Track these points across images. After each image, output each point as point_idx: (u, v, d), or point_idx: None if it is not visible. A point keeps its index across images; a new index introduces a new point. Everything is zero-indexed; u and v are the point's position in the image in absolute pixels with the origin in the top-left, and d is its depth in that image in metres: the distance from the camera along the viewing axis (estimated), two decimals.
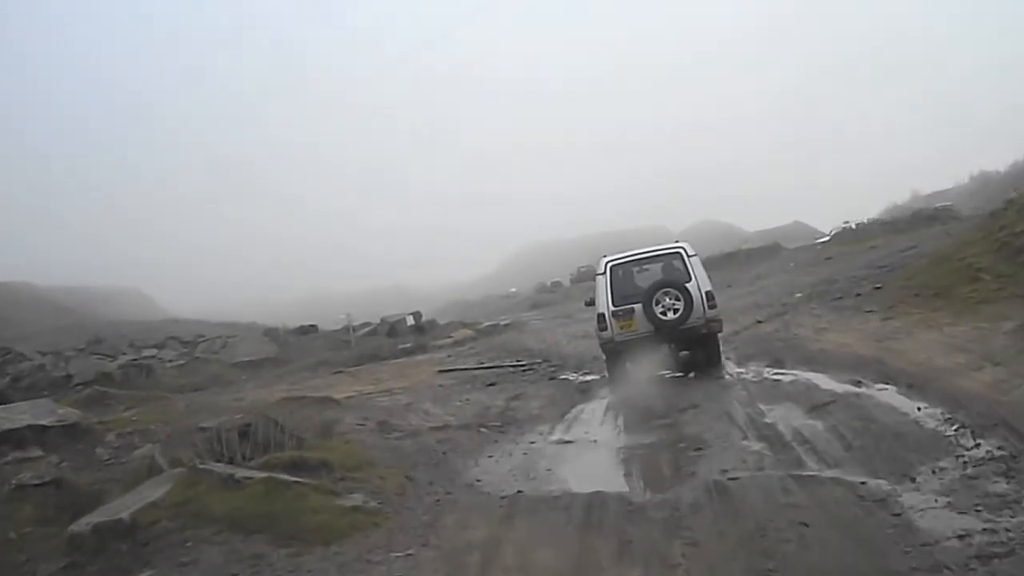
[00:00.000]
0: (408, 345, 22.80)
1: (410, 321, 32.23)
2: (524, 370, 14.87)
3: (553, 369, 14.39)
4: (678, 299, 10.96)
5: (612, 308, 11.26)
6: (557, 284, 51.60)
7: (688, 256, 11.48)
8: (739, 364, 11.45)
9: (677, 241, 12.50)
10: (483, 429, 8.76)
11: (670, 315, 10.94)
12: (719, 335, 11.55)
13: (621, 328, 11.19)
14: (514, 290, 62.32)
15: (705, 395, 9.35)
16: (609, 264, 11.66)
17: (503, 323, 26.01)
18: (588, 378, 12.68)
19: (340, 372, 18.99)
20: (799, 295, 18.44)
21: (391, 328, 31.06)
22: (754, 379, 10.01)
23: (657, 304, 10.99)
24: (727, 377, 10.55)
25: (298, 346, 26.54)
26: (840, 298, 16.26)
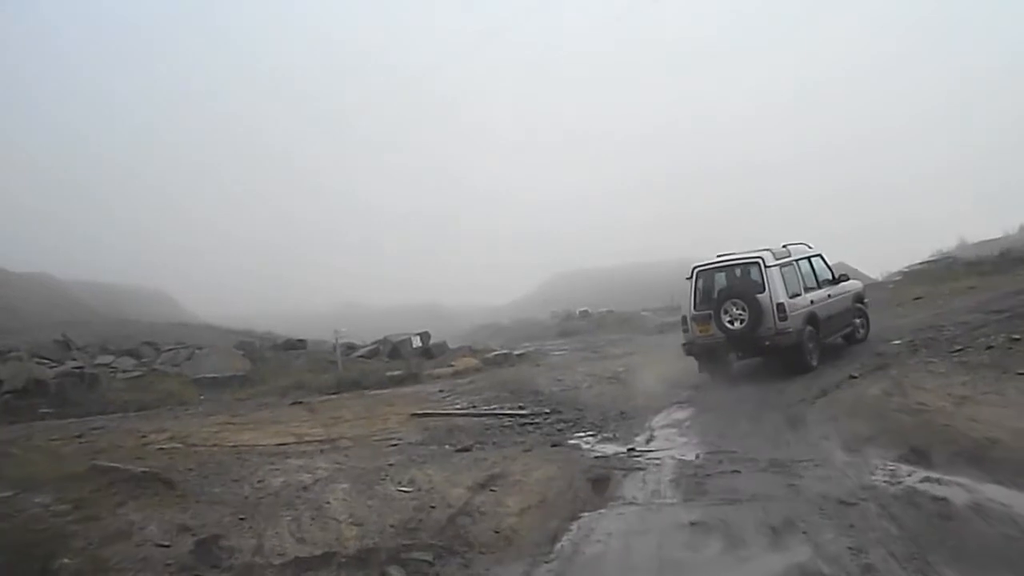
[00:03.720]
0: (398, 373, 18.79)
1: (416, 343, 28.35)
2: (523, 423, 10.78)
3: (562, 427, 10.26)
4: (744, 309, 11.01)
5: (693, 312, 11.65)
6: (585, 312, 47.84)
7: (766, 266, 11.19)
8: (849, 450, 7.25)
9: (790, 244, 12.32)
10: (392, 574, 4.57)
11: (736, 325, 11.07)
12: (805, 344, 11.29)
13: (700, 332, 11.55)
14: (555, 311, 59.49)
15: (818, 520, 5.17)
16: (696, 269, 11.86)
17: (516, 353, 21.80)
18: (608, 450, 8.52)
19: (300, 403, 15.04)
20: (897, 342, 13.99)
21: (393, 349, 27.24)
22: (894, 489, 5.79)
23: (725, 313, 11.16)
24: (835, 476, 6.34)
25: (277, 363, 22.71)
26: (961, 350, 11.83)
